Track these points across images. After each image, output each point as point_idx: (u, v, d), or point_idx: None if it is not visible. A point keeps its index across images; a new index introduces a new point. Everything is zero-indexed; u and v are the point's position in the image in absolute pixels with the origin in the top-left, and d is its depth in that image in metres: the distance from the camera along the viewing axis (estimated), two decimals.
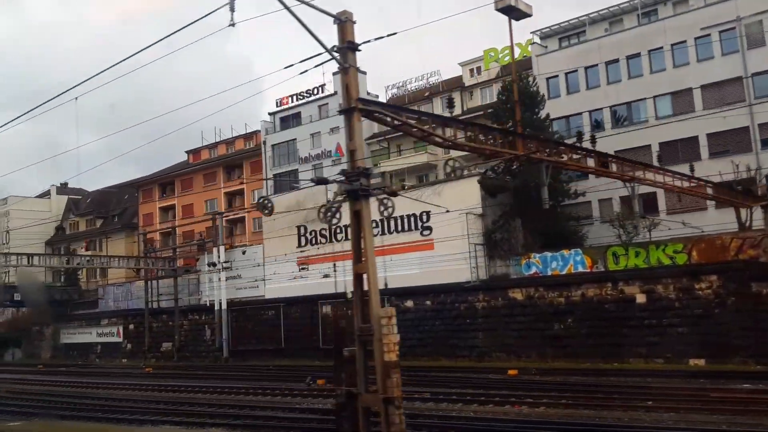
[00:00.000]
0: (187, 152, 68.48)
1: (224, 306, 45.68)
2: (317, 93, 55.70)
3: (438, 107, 50.15)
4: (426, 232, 37.43)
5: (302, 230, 44.17)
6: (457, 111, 49.24)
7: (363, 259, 12.44)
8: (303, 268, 42.90)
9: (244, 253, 46.44)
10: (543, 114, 37.57)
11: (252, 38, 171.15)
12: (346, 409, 12.68)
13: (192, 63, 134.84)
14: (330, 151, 52.97)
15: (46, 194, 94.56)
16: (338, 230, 42.02)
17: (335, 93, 54.73)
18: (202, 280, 50.27)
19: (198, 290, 50.59)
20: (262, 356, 43.66)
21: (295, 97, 57.09)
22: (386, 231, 39.56)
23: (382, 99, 56.95)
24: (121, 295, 58.51)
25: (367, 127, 54.11)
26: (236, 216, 61.01)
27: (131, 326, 54.44)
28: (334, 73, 55.08)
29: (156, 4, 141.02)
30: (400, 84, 53.68)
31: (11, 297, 56.93)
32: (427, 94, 53.25)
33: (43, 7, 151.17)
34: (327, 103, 55.28)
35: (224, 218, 60.46)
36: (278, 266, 43.83)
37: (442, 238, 35.22)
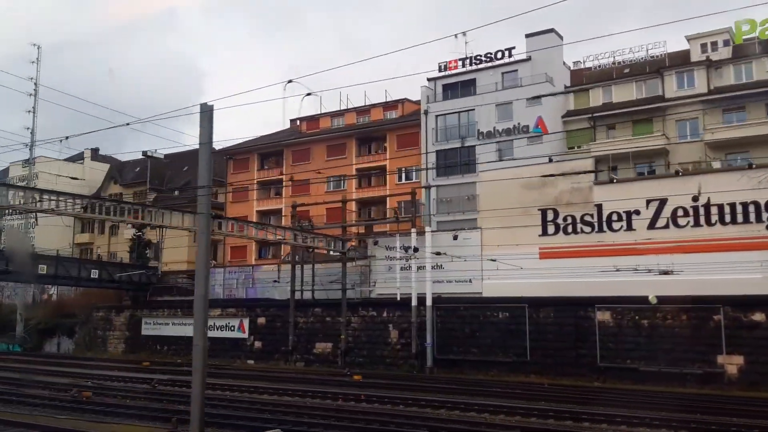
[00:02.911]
0: (294, 120, 58.34)
1: (429, 303, 36.24)
2: (501, 57, 46.63)
3: (673, 84, 41.99)
4: None
5: (550, 214, 35.19)
6: (702, 89, 41.31)
7: None
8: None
9: (455, 238, 36.89)
10: None
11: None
12: None
13: None
14: (527, 126, 44.01)
15: (77, 158, 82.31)
16: (615, 217, 33.37)
17: (529, 58, 45.90)
18: (375, 269, 40.57)
19: (369, 280, 40.78)
20: (487, 369, 34.28)
21: (469, 61, 47.82)
22: (701, 222, 31.14)
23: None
24: (236, 281, 47.90)
25: (561, 103, 45.60)
26: (372, 197, 51.33)
27: (261, 320, 44.03)
28: (527, 36, 46.50)
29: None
30: (607, 54, 45.37)
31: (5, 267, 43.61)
32: (629, 70, 45.06)
33: None
34: (516, 70, 46.28)
35: (352, 201, 50.80)
36: (503, 258, 34.51)
37: None
